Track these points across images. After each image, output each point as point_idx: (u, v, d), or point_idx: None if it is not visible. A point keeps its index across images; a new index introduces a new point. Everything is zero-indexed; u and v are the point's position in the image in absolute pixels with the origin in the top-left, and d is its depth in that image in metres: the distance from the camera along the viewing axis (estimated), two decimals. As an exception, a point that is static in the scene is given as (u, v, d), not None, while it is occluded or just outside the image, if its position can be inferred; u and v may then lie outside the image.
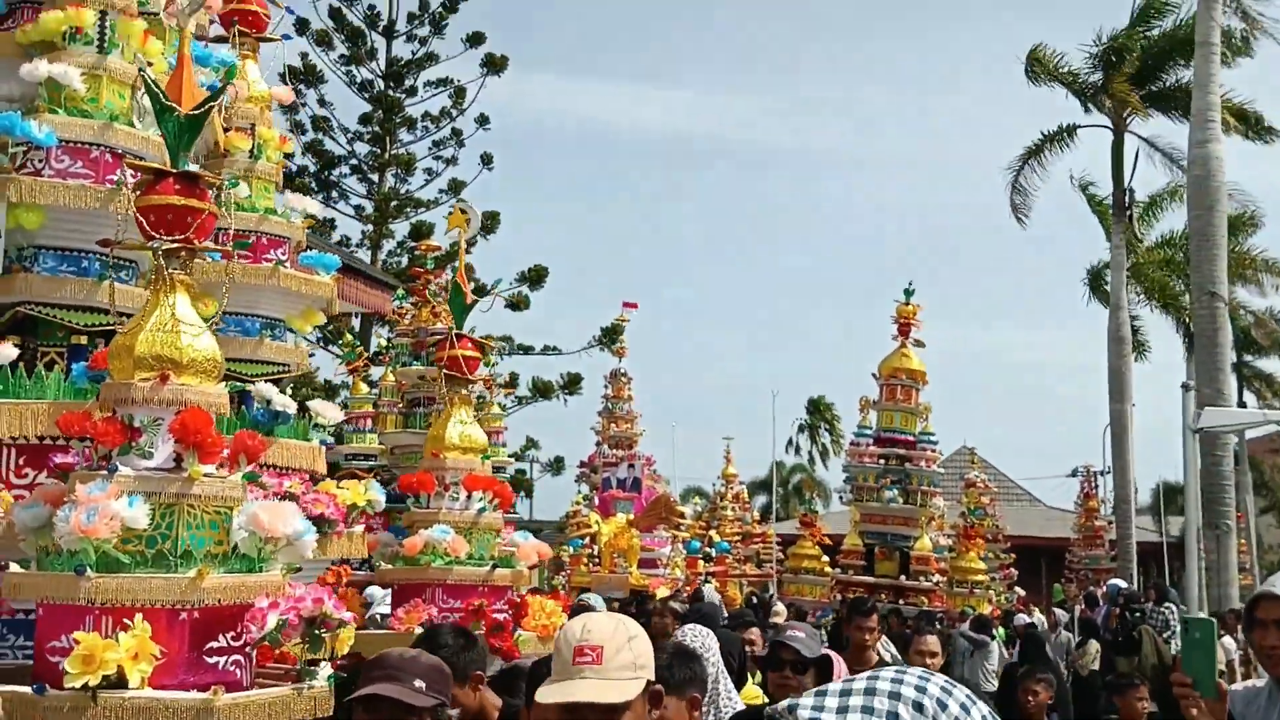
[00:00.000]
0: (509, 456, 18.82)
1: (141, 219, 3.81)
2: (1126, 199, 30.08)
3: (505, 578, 6.69)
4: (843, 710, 1.61)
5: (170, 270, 3.84)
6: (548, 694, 2.58)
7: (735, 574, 23.00)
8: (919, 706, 1.64)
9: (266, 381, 6.10)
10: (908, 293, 18.38)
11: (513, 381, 30.21)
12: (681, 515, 20.87)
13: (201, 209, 3.85)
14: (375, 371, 18.23)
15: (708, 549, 22.31)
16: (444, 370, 6.95)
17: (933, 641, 7.13)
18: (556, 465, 33.57)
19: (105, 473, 3.65)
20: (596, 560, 17.65)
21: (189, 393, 3.79)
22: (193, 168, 3.91)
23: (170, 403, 3.76)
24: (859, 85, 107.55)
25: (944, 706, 1.65)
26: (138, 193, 3.84)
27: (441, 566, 6.50)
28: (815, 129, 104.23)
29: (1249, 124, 27.07)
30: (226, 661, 3.72)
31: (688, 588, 18.73)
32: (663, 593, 17.07)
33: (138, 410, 3.76)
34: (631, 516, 17.92)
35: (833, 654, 5.55)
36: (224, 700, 3.48)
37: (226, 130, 6.34)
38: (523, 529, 24.57)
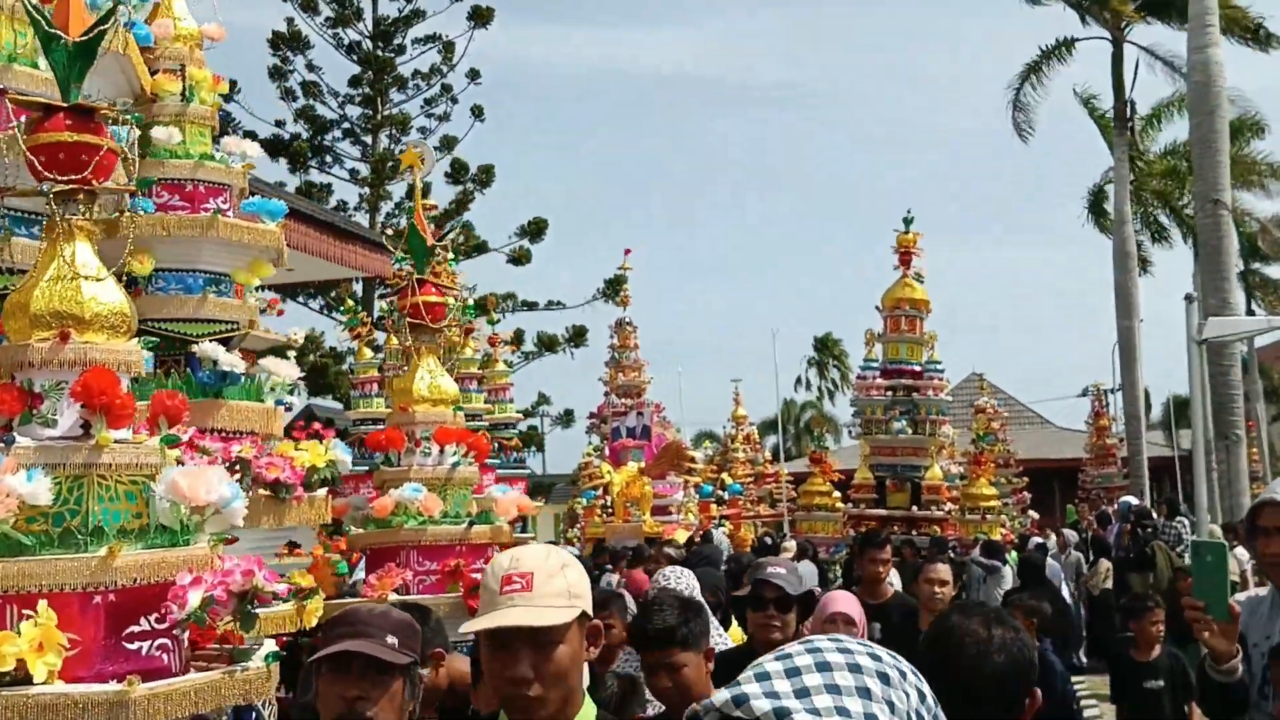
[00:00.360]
0: (518, 413, 18.87)
1: (33, 160, 3.37)
2: (1128, 111, 29.82)
3: (483, 535, 6.25)
4: (803, 693, 1.43)
5: (67, 216, 3.42)
6: (474, 624, 2.44)
7: (749, 515, 23.11)
8: (884, 677, 1.49)
9: (213, 341, 5.71)
10: (907, 221, 18.28)
11: (518, 338, 30.25)
12: (692, 460, 20.94)
13: (98, 144, 3.40)
14: (380, 336, 18.25)
15: (720, 492, 22.40)
16: (407, 319, 6.37)
17: (943, 569, 6.87)
18: (567, 418, 33.72)
19: (0, 445, 3.28)
20: (610, 510, 17.75)
21: (94, 351, 3.39)
22: (87, 102, 3.47)
23: (73, 363, 3.38)
24: (857, 15, 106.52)
25: (903, 675, 1.56)
26: (26, 134, 3.41)
27: (414, 527, 6.11)
28: (813, 62, 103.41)
29: (1249, 31, 26.75)
30: (150, 647, 3.37)
31: (700, 533, 18.85)
32: (681, 536, 17.18)
33: (37, 374, 3.38)
34: (643, 465, 18.00)
35: (815, 589, 5.53)
36: (141, 690, 3.14)
37: (154, 73, 5.86)
38: (536, 484, 24.68)
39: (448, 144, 32.29)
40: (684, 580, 5.39)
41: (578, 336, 31.42)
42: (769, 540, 17.40)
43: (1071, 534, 20.75)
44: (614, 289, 28.07)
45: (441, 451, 6.33)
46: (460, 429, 6.54)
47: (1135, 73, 29.88)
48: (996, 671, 2.37)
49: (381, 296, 23.77)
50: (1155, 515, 18.52)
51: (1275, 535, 3.55)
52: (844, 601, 5.00)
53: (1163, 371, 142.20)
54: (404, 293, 6.42)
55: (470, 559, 6.09)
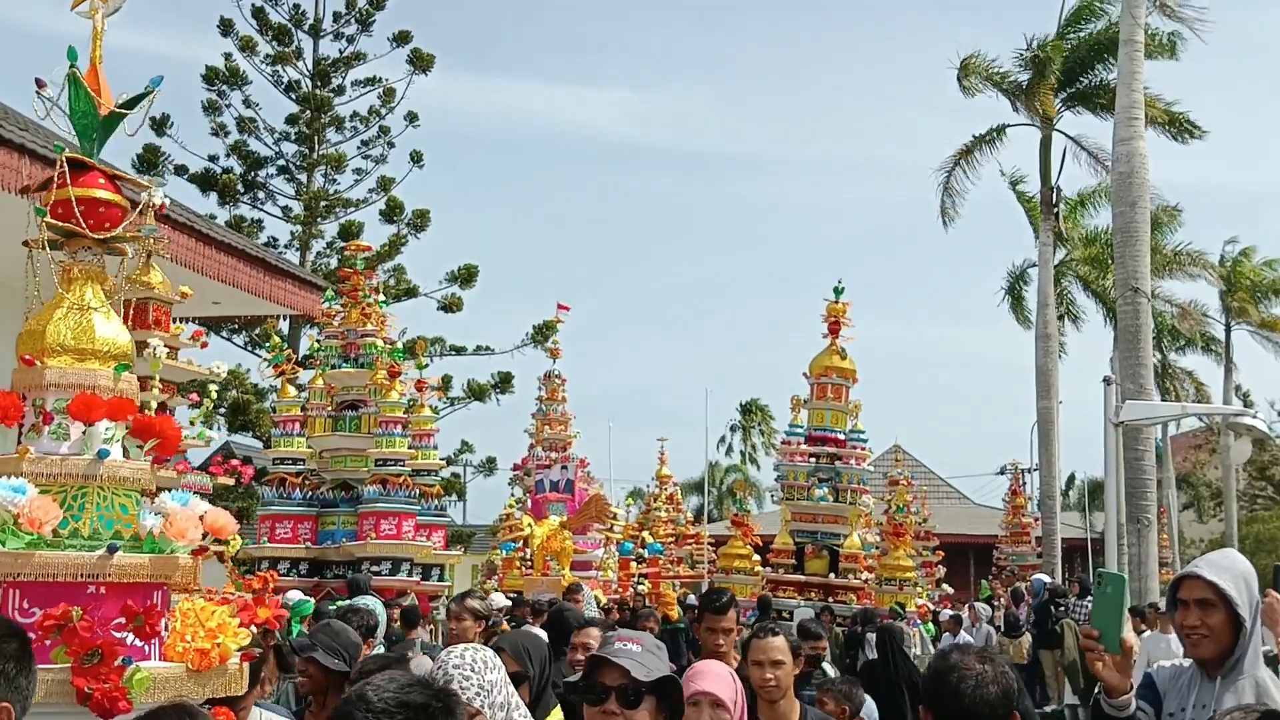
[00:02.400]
0: (441, 459, 18.70)
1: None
2: (1054, 197, 30.56)
3: (137, 569, 3.64)
4: None
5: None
6: None
7: (668, 575, 23.02)
8: None
9: None
10: (837, 291, 18.53)
11: (446, 384, 30.05)
12: (613, 515, 20.87)
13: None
14: (305, 375, 18.02)
15: (640, 550, 22.32)
16: (49, 222, 3.79)
17: (777, 645, 5.22)
18: (489, 467, 33.46)
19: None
20: (530, 563, 17.60)
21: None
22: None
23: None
24: (789, 89, 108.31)
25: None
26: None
27: (13, 550, 3.50)
28: (746, 131, 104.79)
29: (1176, 125, 27.60)
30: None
31: (620, 589, 18.75)
32: (601, 597, 17.06)
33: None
34: (564, 519, 17.89)
35: (709, 663, 4.31)
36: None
37: None
38: (456, 533, 24.40)
39: (384, 185, 32.17)
40: (466, 664, 3.38)
41: (504, 383, 31.26)
42: (629, 605, 17.11)
43: (984, 608, 20.96)
44: (543, 335, 28.05)
45: (84, 433, 3.77)
46: (123, 400, 3.81)
47: (1063, 160, 30.70)
48: (990, 700, 3.01)
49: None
50: (1069, 595, 18.77)
51: (1194, 608, 3.63)
52: (713, 678, 3.90)
53: (1079, 453, 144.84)
54: (59, 183, 3.77)
55: (101, 608, 3.57)
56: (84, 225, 3.85)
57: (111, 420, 3.81)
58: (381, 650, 8.41)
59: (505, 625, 12.42)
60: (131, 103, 4.00)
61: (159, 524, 3.83)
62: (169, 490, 4.10)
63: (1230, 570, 3.66)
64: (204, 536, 3.99)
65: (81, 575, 3.62)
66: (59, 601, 3.53)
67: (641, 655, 3.43)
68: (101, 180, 3.91)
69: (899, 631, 10.28)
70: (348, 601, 9.63)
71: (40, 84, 3.95)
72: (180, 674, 3.63)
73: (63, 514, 3.64)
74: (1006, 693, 3.03)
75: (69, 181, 3.83)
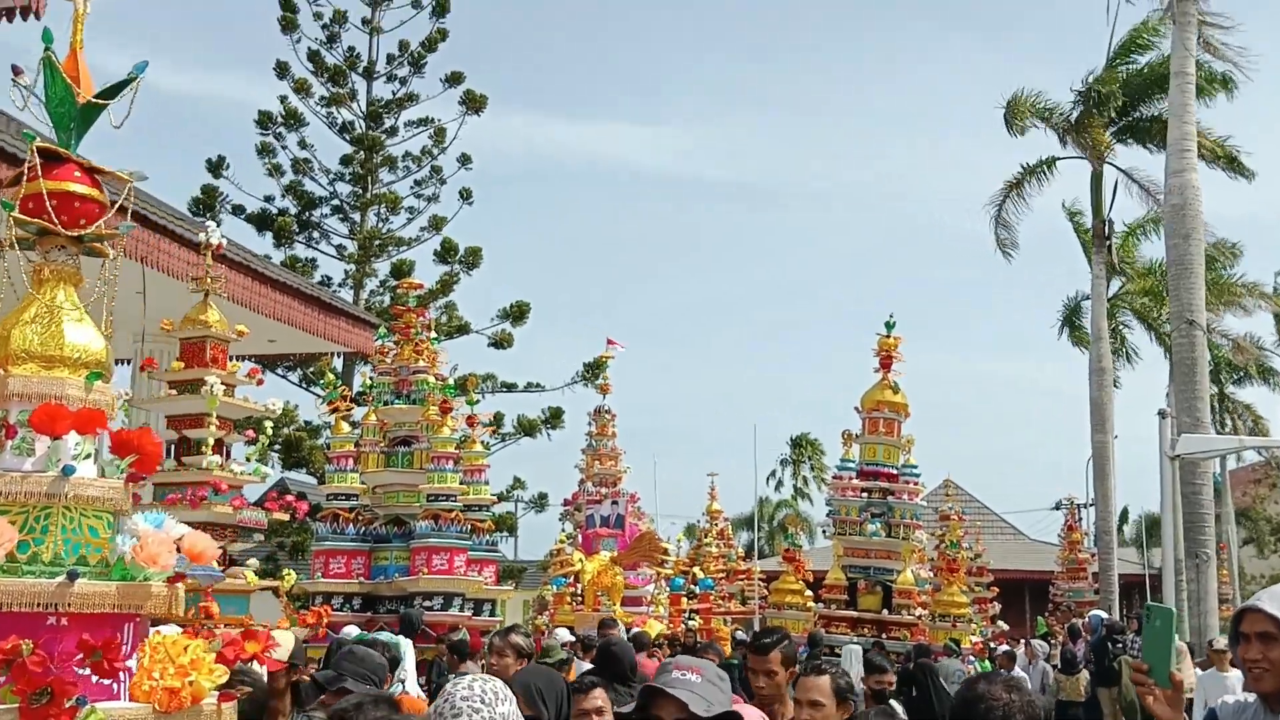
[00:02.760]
0: (493, 495, 18.80)
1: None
2: (1106, 229, 30.35)
3: (101, 598, 3.34)
4: None
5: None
6: None
7: (719, 610, 22.93)
8: None
9: None
10: (889, 325, 18.47)
11: (497, 420, 30.22)
12: (665, 552, 20.85)
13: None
14: (358, 412, 18.21)
15: (692, 586, 22.27)
16: (18, 217, 3.55)
17: (822, 684, 5.19)
18: (540, 502, 33.54)
19: None
20: (580, 599, 17.61)
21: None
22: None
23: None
24: (843, 121, 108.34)
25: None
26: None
27: None
28: (799, 165, 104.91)
29: (1228, 160, 27.37)
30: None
31: (671, 625, 18.70)
32: (653, 629, 17.03)
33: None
34: (615, 554, 17.91)
35: (746, 709, 4.37)
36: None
37: None
38: (507, 568, 24.46)
39: (435, 224, 32.51)
40: (475, 698, 2.98)
41: (554, 418, 31.38)
42: (681, 640, 17.02)
43: (1041, 645, 20.69)
44: (594, 372, 28.13)
45: (49, 448, 3.44)
46: (93, 411, 3.54)
47: (1114, 193, 30.51)
48: None
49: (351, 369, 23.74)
50: (1127, 631, 18.48)
51: (1255, 641, 3.59)
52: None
53: (1134, 487, 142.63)
54: (24, 175, 3.56)
55: (61, 641, 3.25)
56: (56, 221, 3.56)
57: (80, 433, 3.47)
58: (403, 686, 8.41)
59: (574, 662, 12.47)
60: (112, 91, 3.68)
61: (130, 548, 3.43)
62: (143, 512, 3.67)
63: None
64: (181, 561, 3.64)
65: (39, 605, 3.27)
66: (11, 634, 3.15)
67: (702, 687, 3.14)
68: (77, 173, 3.62)
69: (933, 667, 10.34)
70: (370, 635, 9.72)
71: (16, 71, 3.64)
72: (146, 715, 3.25)
73: (22, 536, 3.28)
74: None
75: (40, 174, 3.54)
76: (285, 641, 4.90)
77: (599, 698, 5.05)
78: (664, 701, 3.10)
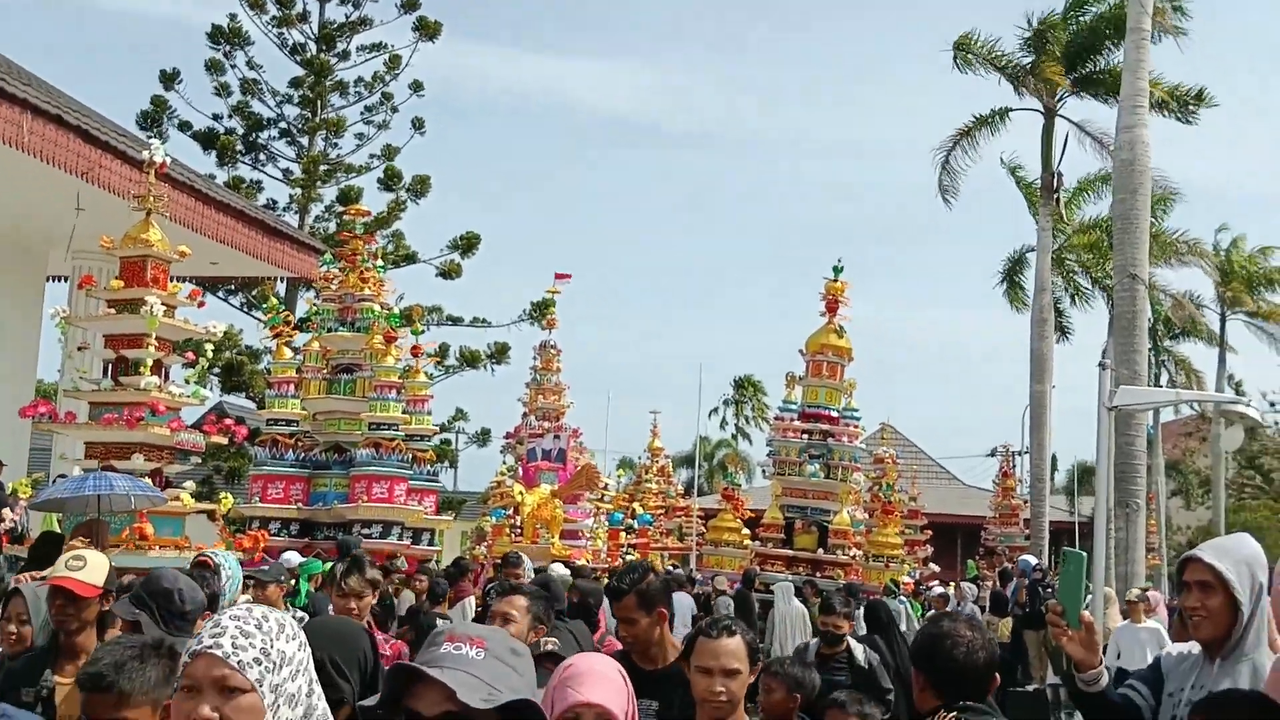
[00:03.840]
0: (435, 426, 18.75)
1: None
2: (1054, 182, 30.50)
3: None
4: None
5: None
6: None
7: (657, 546, 23.13)
8: None
9: None
10: (836, 269, 18.53)
11: (442, 352, 30.07)
12: (604, 486, 20.94)
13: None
14: (300, 338, 18.05)
15: (630, 521, 22.42)
16: None
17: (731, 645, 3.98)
18: (483, 437, 33.52)
19: None
20: (519, 531, 17.67)
21: None
22: None
23: None
24: (791, 67, 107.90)
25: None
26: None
27: None
28: (748, 108, 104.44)
29: (1178, 102, 27.47)
30: None
31: (609, 559, 18.84)
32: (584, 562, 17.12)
33: None
34: (555, 487, 17.96)
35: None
36: None
37: None
38: (447, 499, 24.50)
39: (388, 153, 32.07)
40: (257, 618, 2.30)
41: (500, 354, 31.30)
42: (673, 569, 17.31)
43: (970, 587, 21.07)
44: (541, 311, 28.03)
45: None
46: None
47: (1065, 145, 30.63)
48: (979, 664, 3.36)
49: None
50: (1053, 575, 18.86)
51: (1194, 590, 3.66)
52: (596, 681, 2.81)
53: (1069, 437, 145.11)
54: None
55: None
56: None
57: None
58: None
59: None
60: None
61: None
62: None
63: (1233, 554, 3.68)
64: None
65: None
66: None
67: (484, 666, 2.21)
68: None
69: (886, 605, 10.37)
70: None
71: None
72: None
73: None
74: (992, 657, 3.42)
75: None
76: (97, 565, 4.44)
77: (514, 606, 5.03)
78: (424, 688, 2.17)
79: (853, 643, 8.06)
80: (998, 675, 3.44)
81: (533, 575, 10.75)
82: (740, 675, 3.77)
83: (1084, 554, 3.82)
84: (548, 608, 5.29)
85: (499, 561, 16.55)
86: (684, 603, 16.63)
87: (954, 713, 3.28)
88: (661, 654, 4.55)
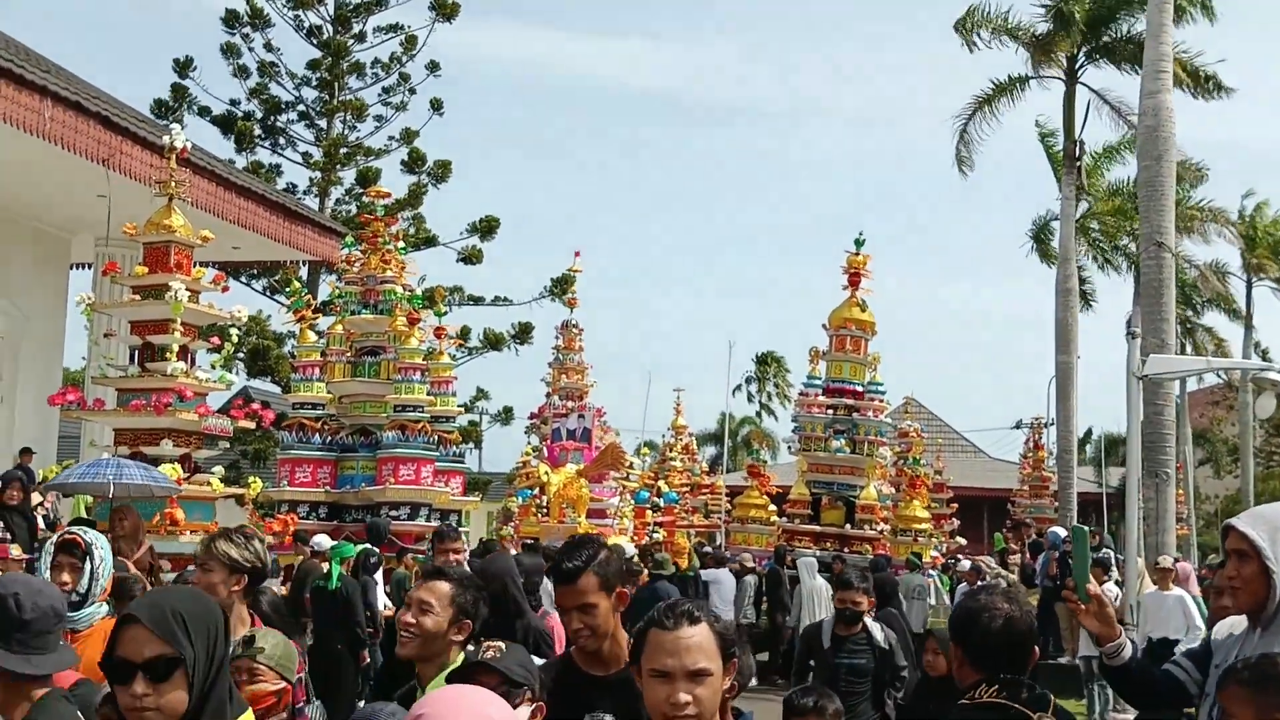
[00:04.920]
0: (459, 407, 18.75)
1: None
2: (1077, 150, 30.22)
3: None
4: None
5: None
6: None
7: (683, 524, 23.12)
8: None
9: None
10: (858, 243, 18.44)
11: (464, 333, 30.08)
12: (629, 465, 20.92)
13: None
14: (324, 321, 18.06)
15: (656, 499, 22.40)
16: None
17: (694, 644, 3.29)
18: (506, 416, 33.56)
19: None
20: (545, 510, 17.68)
21: None
22: None
23: None
24: (811, 39, 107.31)
25: None
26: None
27: None
28: (768, 82, 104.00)
29: (1199, 81, 27.22)
30: None
31: (635, 538, 18.83)
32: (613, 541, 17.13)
33: None
34: (581, 467, 17.95)
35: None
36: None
37: None
38: (472, 480, 24.51)
39: (407, 136, 32.02)
40: None
41: (523, 333, 31.29)
42: (651, 552, 17.27)
43: (989, 562, 20.87)
44: (562, 288, 27.98)
45: None
46: None
47: (1086, 113, 30.34)
48: (1019, 636, 3.33)
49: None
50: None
51: (1232, 559, 3.61)
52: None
53: (1095, 408, 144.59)
54: None
55: None
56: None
57: None
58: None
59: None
60: None
61: None
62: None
63: (1270, 521, 3.62)
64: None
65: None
66: None
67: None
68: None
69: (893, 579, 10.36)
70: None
71: None
72: None
73: None
74: (1031, 630, 3.41)
75: None
76: None
77: (435, 594, 4.49)
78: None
79: (870, 622, 7.47)
80: (1037, 648, 3.43)
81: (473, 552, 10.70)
82: (711, 677, 2.76)
83: (1083, 529, 3.99)
84: (478, 598, 4.09)
85: (527, 543, 16.59)
86: (724, 581, 16.64)
87: (995, 686, 3.26)
88: (617, 652, 3.62)
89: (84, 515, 11.26)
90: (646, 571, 14.61)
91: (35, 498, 13.25)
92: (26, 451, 15.69)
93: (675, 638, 2.74)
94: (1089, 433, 50.28)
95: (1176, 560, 15.06)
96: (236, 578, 4.46)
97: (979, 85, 31.10)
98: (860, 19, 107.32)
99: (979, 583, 17.64)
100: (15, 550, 9.14)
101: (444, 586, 4.03)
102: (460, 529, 17.12)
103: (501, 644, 3.51)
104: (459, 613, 3.98)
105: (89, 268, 18.83)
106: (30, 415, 16.73)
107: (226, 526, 5.05)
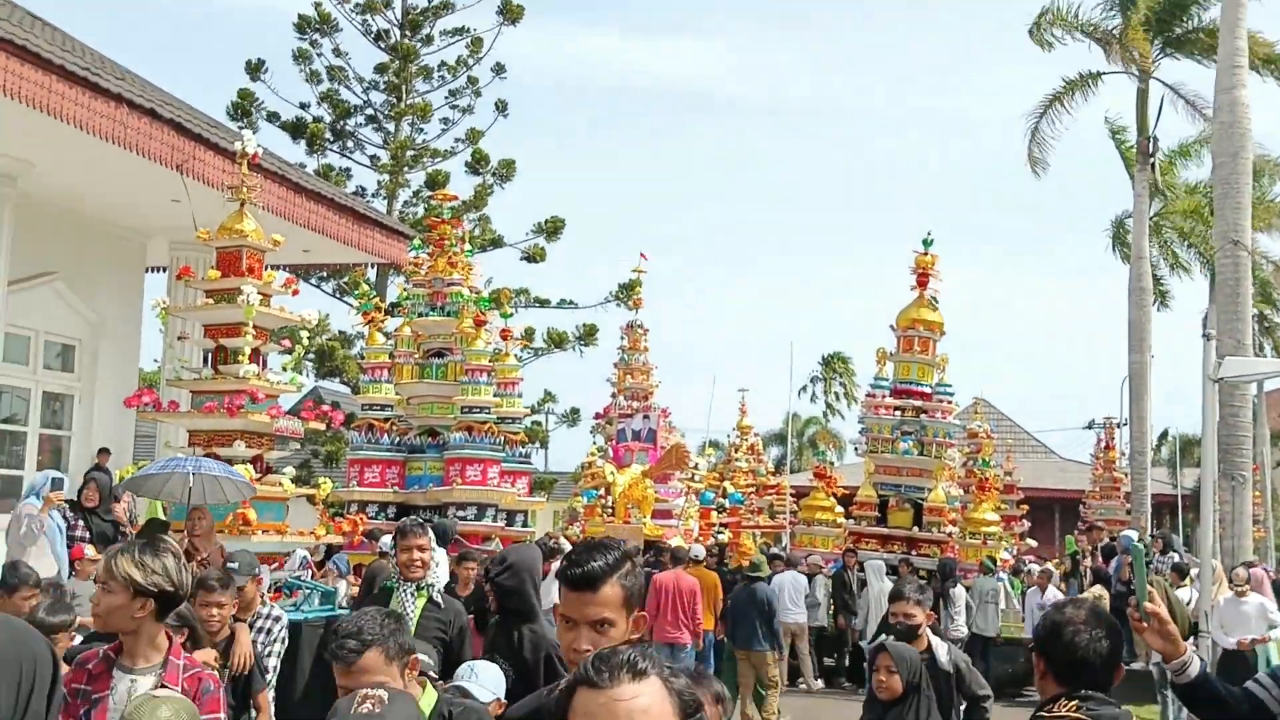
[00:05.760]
0: (525, 408, 18.84)
1: None
2: (1150, 147, 29.75)
3: None
4: None
5: None
6: None
7: (749, 525, 23.06)
8: None
9: None
10: (926, 243, 18.27)
11: (529, 334, 30.25)
12: (694, 465, 20.89)
13: None
14: (392, 323, 18.24)
15: (721, 500, 22.36)
16: None
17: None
18: (572, 417, 33.66)
19: None
20: (611, 511, 17.72)
21: None
22: None
23: None
24: (882, 39, 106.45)
25: None
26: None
27: None
28: (836, 83, 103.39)
29: (1275, 66, 26.62)
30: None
31: (700, 539, 18.81)
32: (676, 542, 17.15)
33: None
34: (646, 467, 17.97)
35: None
36: None
37: None
38: (539, 480, 24.59)
39: (471, 136, 32.27)
40: None
41: (588, 335, 31.39)
42: (768, 549, 17.24)
43: (1052, 570, 20.46)
44: (627, 292, 28.01)
45: None
46: None
47: (1160, 109, 29.84)
48: (1102, 653, 3.31)
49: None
50: (1153, 551, 18.48)
51: None
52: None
53: (1169, 408, 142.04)
54: None
55: None
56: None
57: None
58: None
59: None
60: None
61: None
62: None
63: None
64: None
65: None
66: None
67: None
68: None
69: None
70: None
71: None
72: None
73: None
74: (1116, 647, 3.37)
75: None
76: None
77: (423, 544, 4.32)
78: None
79: (934, 640, 6.38)
80: (1122, 666, 3.41)
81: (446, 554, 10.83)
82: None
83: (1138, 545, 4.09)
84: (400, 637, 3.57)
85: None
86: (795, 583, 16.53)
87: (1075, 701, 3.25)
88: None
89: (160, 516, 11.47)
90: (742, 574, 14.56)
91: (123, 503, 13.44)
92: (104, 452, 16.03)
93: (610, 700, 1.92)
94: (1164, 434, 49.42)
95: (1250, 565, 14.78)
96: (141, 601, 3.97)
97: (1052, 83, 30.67)
98: (928, 13, 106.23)
99: (1049, 587, 17.40)
100: (91, 550, 9.33)
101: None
102: (529, 529, 17.27)
103: (384, 695, 2.85)
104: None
105: (164, 271, 19.18)
106: (108, 417, 17.07)
107: (138, 539, 4.45)
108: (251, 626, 6.47)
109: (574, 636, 2.85)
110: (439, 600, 6.44)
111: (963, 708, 6.30)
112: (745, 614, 12.97)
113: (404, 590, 6.31)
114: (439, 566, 12.29)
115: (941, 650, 6.31)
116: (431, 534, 6.69)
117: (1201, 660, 3.68)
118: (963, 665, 6.34)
